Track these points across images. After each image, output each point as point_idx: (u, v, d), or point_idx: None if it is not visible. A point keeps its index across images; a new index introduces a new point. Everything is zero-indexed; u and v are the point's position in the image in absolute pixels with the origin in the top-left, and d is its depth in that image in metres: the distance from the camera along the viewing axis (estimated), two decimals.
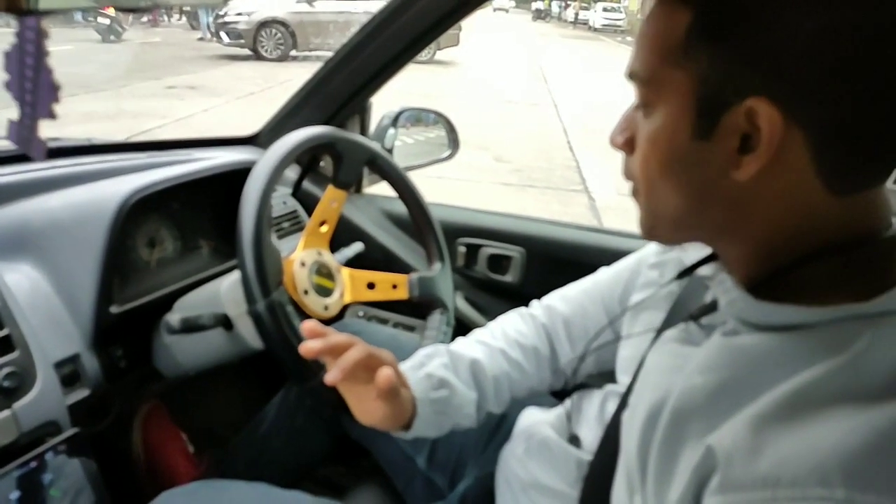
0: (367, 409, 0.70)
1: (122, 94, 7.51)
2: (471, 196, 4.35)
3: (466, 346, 0.85)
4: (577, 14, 34.31)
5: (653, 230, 0.53)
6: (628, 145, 0.52)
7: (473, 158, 5.51)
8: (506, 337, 0.86)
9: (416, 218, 1.15)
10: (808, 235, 0.46)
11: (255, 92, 7.58)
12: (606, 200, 4.68)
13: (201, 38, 11.75)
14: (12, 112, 0.45)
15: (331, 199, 1.06)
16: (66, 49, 9.45)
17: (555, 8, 41.74)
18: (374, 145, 1.13)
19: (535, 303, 0.92)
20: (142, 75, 8.76)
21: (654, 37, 0.47)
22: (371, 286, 1.08)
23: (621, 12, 28.63)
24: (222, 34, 10.75)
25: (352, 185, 1.09)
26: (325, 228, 1.06)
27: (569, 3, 39.07)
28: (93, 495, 0.84)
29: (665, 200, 0.50)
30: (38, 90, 0.43)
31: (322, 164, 1.44)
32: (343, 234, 1.09)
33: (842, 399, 0.40)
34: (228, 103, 7.06)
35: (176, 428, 1.27)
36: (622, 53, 18.37)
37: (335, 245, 1.09)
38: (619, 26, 27.48)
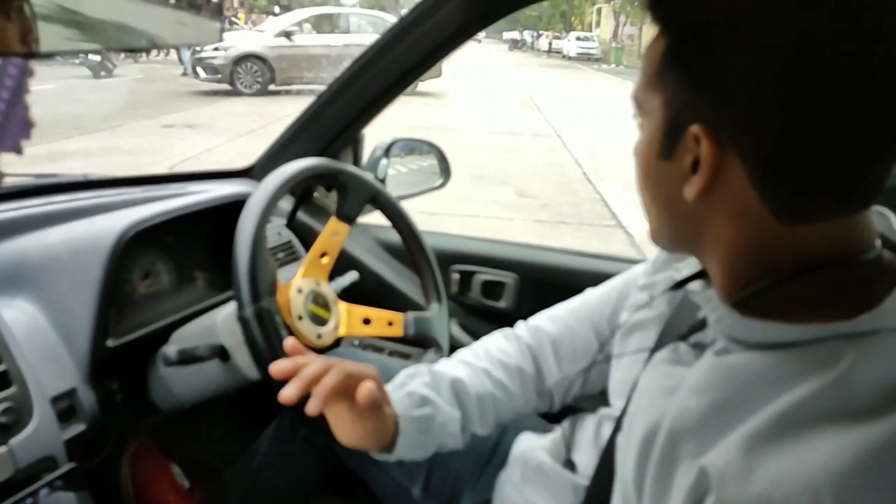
0: (348, 427, 0.69)
1: (119, 133, 7.35)
2: (507, 236, 4.36)
3: (449, 365, 0.85)
4: (550, 43, 34.89)
5: (652, 236, 0.57)
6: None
7: (496, 195, 5.46)
8: (489, 357, 0.86)
9: (416, 258, 1.16)
10: (771, 257, 0.47)
11: (255, 129, 7.45)
12: (642, 234, 4.61)
13: (184, 74, 11.81)
14: None
15: (333, 232, 1.07)
16: (48, 88, 9.15)
17: (527, 37, 42.39)
18: (377, 183, 1.15)
19: (520, 323, 0.91)
20: (134, 114, 8.58)
21: (646, 64, 0.50)
22: (367, 322, 1.09)
23: (594, 41, 29.26)
24: (199, 69, 10.69)
25: (355, 219, 1.10)
26: (325, 260, 1.07)
27: (541, 32, 39.69)
28: None
29: (649, 210, 0.55)
30: (7, 124, 0.45)
31: (316, 194, 1.46)
32: (338, 263, 1.10)
33: (829, 418, 0.41)
34: (231, 141, 6.94)
35: (166, 463, 1.26)
36: (601, 81, 18.53)
37: (330, 273, 1.10)
38: (593, 55, 28.01)
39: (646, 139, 0.51)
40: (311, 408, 0.63)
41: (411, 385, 0.79)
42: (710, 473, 0.43)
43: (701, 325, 0.57)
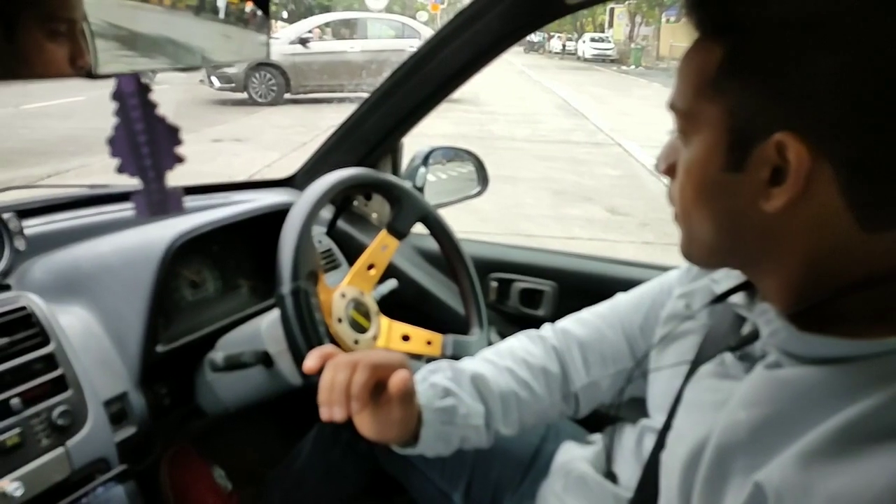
0: (374, 418, 0.67)
1: None
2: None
3: (471, 362, 0.84)
4: (564, 45, 33.89)
5: (690, 253, 0.56)
6: (671, 171, 0.54)
7: (587, 212, 5.19)
8: (513, 356, 0.85)
9: (462, 283, 1.16)
10: (842, 268, 0.46)
11: (306, 142, 7.12)
12: None
13: (202, 81, 11.70)
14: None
15: (382, 244, 1.09)
16: (78, 101, 8.38)
17: (538, 39, 41.78)
18: (428, 202, 1.16)
19: (546, 326, 0.90)
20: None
21: (690, 71, 0.49)
22: (406, 338, 1.09)
23: (610, 42, 28.29)
24: (213, 78, 10.23)
25: (406, 235, 1.11)
26: (373, 272, 1.08)
27: (552, 34, 38.96)
28: None
29: (699, 226, 0.52)
30: (156, 144, 0.46)
31: (355, 203, 1.48)
32: None
33: (892, 435, 0.40)
34: (286, 156, 6.59)
35: (206, 466, 1.29)
36: (628, 83, 17.88)
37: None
38: (609, 56, 27.07)
39: (701, 152, 0.49)
40: (354, 410, 0.62)
41: (433, 378, 0.78)
42: (766, 490, 0.42)
43: (750, 338, 0.56)
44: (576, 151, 7.70)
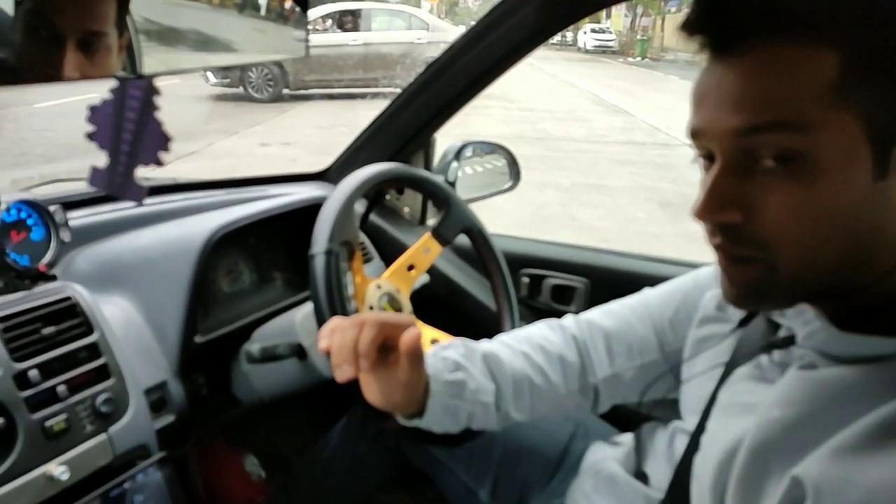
0: (380, 381, 0.65)
1: (217, 155, 6.48)
2: None
3: (486, 343, 0.82)
4: (563, 36, 32.10)
5: (765, 296, 0.50)
6: (740, 213, 0.47)
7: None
8: (530, 341, 0.83)
9: (498, 295, 1.16)
10: None
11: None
12: None
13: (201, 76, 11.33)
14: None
15: (425, 247, 1.09)
16: (91, 97, 8.65)
17: None
18: (475, 216, 1.16)
19: (569, 316, 0.88)
20: (208, 128, 7.65)
21: (793, 83, 0.44)
22: (434, 342, 1.09)
23: (611, 33, 27.34)
24: (208, 74, 9.39)
25: (450, 243, 1.12)
26: (413, 273, 1.08)
27: None
28: None
29: (815, 259, 0.46)
30: (143, 140, 0.48)
31: (387, 197, 1.49)
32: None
33: None
34: None
35: (235, 454, 1.32)
36: (644, 76, 17.12)
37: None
38: (611, 47, 26.23)
39: (838, 169, 0.44)
40: (363, 368, 0.60)
41: (444, 353, 0.76)
42: (804, 484, 0.42)
43: (787, 341, 0.55)
44: (649, 154, 7.25)
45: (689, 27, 0.49)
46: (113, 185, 0.51)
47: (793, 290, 0.49)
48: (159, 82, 0.52)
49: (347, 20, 10.73)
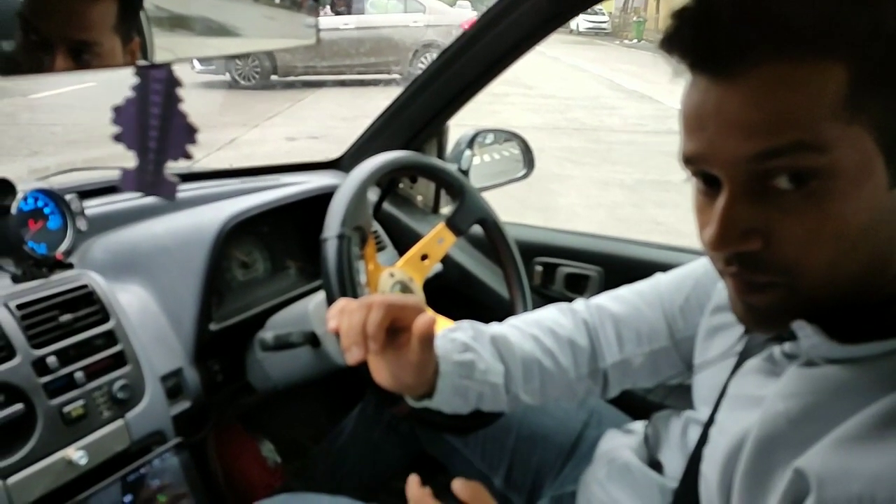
0: (389, 363, 0.65)
1: (241, 148, 6.15)
2: None
3: (496, 326, 0.81)
4: None
5: (783, 318, 0.49)
6: (760, 240, 0.46)
7: None
8: (540, 325, 0.82)
9: (511, 284, 1.15)
10: None
11: None
12: None
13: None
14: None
15: (439, 237, 1.08)
16: (90, 86, 7.24)
17: None
18: (490, 207, 1.15)
19: (579, 300, 0.88)
20: (223, 119, 7.37)
21: (806, 101, 0.42)
22: None
23: (604, 14, 26.62)
24: (194, 61, 8.98)
25: (464, 234, 1.11)
26: (426, 263, 1.08)
27: None
28: (194, 501, 0.90)
29: (837, 276, 0.45)
30: (169, 135, 0.48)
31: (401, 185, 1.49)
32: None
33: None
34: None
35: (252, 440, 1.33)
36: (644, 59, 16.03)
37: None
38: (604, 29, 25.68)
39: (855, 183, 0.43)
40: (372, 351, 0.60)
41: (453, 334, 0.76)
42: (807, 475, 0.43)
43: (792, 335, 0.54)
44: None
45: (672, 44, 0.46)
46: (144, 184, 0.51)
47: (808, 309, 0.48)
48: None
49: (340, 2, 10.36)
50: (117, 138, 0.50)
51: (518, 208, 3.90)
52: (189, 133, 0.49)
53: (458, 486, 0.58)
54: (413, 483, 0.60)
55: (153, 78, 0.49)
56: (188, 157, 0.49)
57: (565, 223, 1.13)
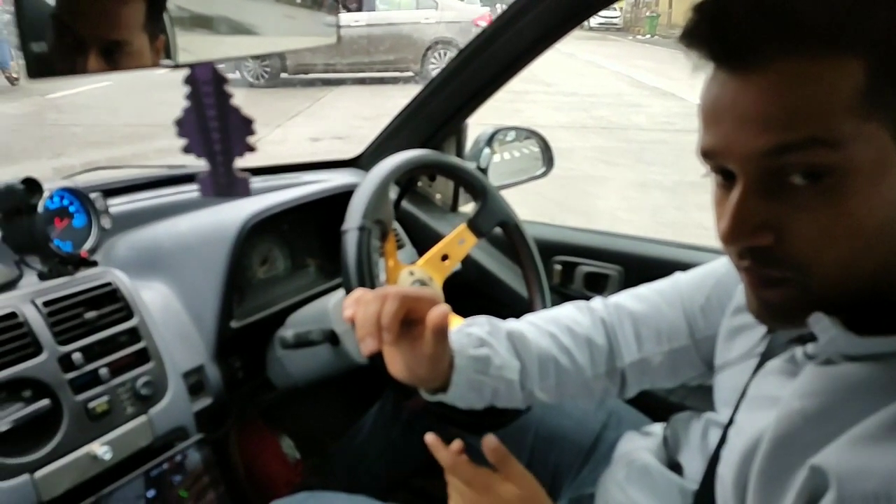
0: (404, 355, 0.64)
1: (267, 148, 5.78)
2: None
3: (512, 322, 0.81)
4: None
5: (797, 314, 0.48)
6: (772, 235, 0.46)
7: None
8: (557, 322, 0.81)
9: (530, 283, 1.15)
10: None
11: None
12: None
13: None
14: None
15: (460, 238, 1.08)
16: (104, 86, 7.69)
17: None
18: (512, 210, 1.15)
19: (597, 299, 0.87)
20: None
21: (823, 96, 0.42)
22: None
23: (616, 10, 26.13)
24: None
25: (485, 235, 1.11)
26: (447, 263, 1.07)
27: None
28: (216, 496, 0.91)
29: (851, 274, 0.45)
30: (229, 133, 0.49)
31: (419, 184, 1.49)
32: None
33: None
34: None
35: (273, 436, 1.34)
36: (661, 55, 16.05)
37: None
38: (615, 24, 25.31)
39: (872, 179, 0.42)
40: (386, 341, 0.60)
41: (469, 329, 0.75)
42: (825, 472, 0.43)
43: (810, 336, 0.54)
44: None
45: (691, 38, 0.46)
46: (221, 187, 0.51)
47: (823, 306, 0.47)
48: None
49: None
50: (186, 150, 0.51)
51: (556, 211, 3.86)
52: (247, 126, 0.49)
53: (489, 444, 0.60)
54: (450, 451, 0.62)
55: (201, 80, 0.49)
56: (252, 149, 0.50)
57: (610, 229, 1.11)
